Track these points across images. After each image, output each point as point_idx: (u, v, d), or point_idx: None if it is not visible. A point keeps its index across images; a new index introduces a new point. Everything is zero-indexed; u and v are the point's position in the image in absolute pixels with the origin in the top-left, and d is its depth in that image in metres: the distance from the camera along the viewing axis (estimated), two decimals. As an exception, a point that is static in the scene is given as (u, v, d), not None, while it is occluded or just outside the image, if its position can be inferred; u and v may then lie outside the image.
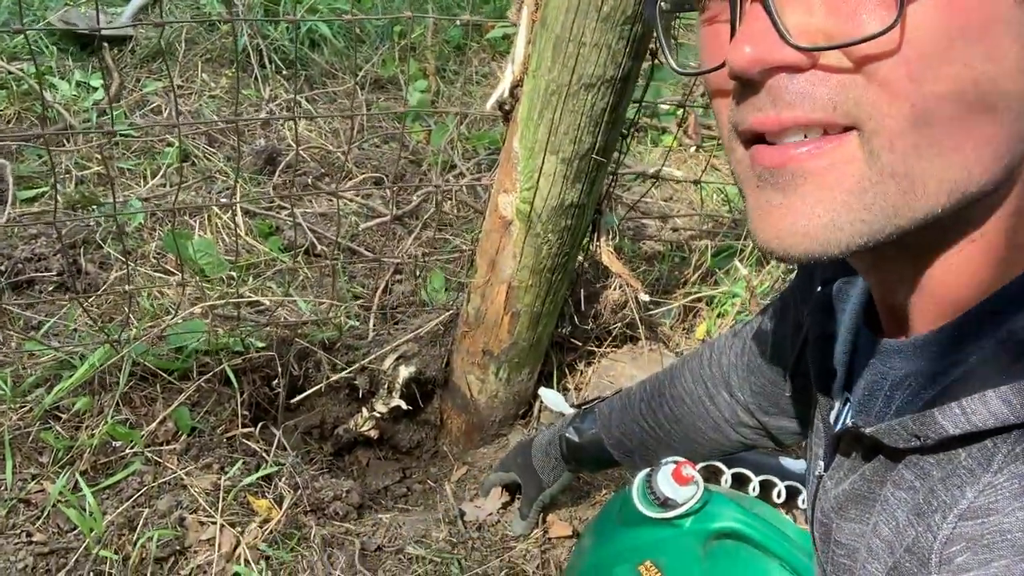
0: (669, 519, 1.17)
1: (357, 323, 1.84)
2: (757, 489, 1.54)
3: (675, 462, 1.18)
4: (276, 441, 1.64)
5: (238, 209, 2.10)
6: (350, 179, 2.35)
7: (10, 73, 2.39)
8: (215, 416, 1.64)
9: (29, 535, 1.40)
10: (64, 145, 2.25)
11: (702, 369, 1.22)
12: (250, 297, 1.81)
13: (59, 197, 2.02)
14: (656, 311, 2.05)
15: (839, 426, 0.72)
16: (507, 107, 1.43)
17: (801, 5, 0.49)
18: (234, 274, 1.87)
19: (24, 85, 2.37)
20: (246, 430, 1.64)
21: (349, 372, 1.72)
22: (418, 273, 2.02)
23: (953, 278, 0.57)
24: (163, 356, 1.63)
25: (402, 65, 2.86)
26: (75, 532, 1.41)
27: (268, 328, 1.71)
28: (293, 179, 2.28)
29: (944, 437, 0.54)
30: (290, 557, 1.46)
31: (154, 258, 1.95)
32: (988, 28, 0.46)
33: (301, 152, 2.41)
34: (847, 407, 0.73)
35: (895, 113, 0.48)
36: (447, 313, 1.79)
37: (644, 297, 1.79)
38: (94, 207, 2.07)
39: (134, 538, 1.41)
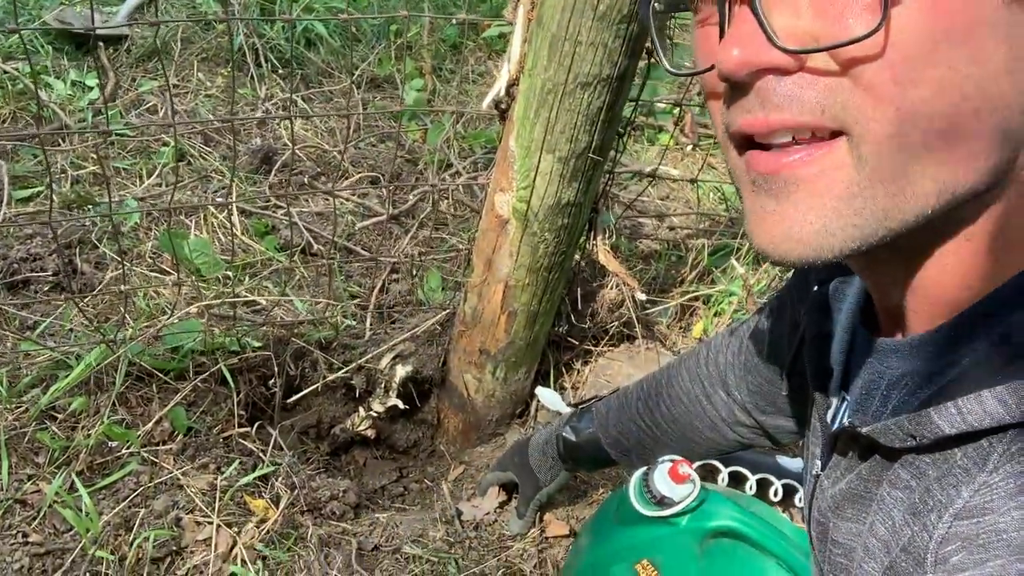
0: (666, 518, 1.17)
1: (354, 322, 1.84)
2: (754, 487, 1.54)
3: (671, 461, 1.18)
4: (273, 441, 1.64)
5: (234, 208, 2.09)
6: (346, 178, 2.35)
7: (5, 72, 2.39)
8: (211, 416, 1.64)
9: (25, 536, 1.39)
10: (59, 145, 2.25)
11: (699, 368, 1.22)
12: (246, 297, 1.80)
13: (55, 197, 2.01)
14: (653, 310, 2.05)
15: (836, 425, 0.73)
16: (503, 106, 1.43)
17: (789, 7, 0.49)
18: (230, 274, 1.87)
19: (19, 84, 2.36)
20: (242, 430, 1.64)
21: (346, 372, 1.72)
22: (415, 272, 2.02)
23: (948, 278, 0.57)
24: (159, 356, 1.63)
25: (398, 64, 2.85)
26: (71, 533, 1.41)
27: (264, 328, 1.71)
28: (289, 178, 2.28)
29: (940, 437, 0.54)
30: (287, 557, 1.46)
31: (150, 258, 1.94)
32: (973, 31, 0.46)
33: (297, 151, 2.40)
34: (844, 406, 0.73)
35: (880, 117, 0.48)
36: (444, 312, 1.79)
37: (641, 296, 1.79)
38: (90, 207, 2.06)
39: (130, 538, 1.41)
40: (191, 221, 2.08)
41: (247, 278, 1.91)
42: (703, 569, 1.13)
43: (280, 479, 1.58)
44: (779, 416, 1.12)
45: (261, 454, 1.61)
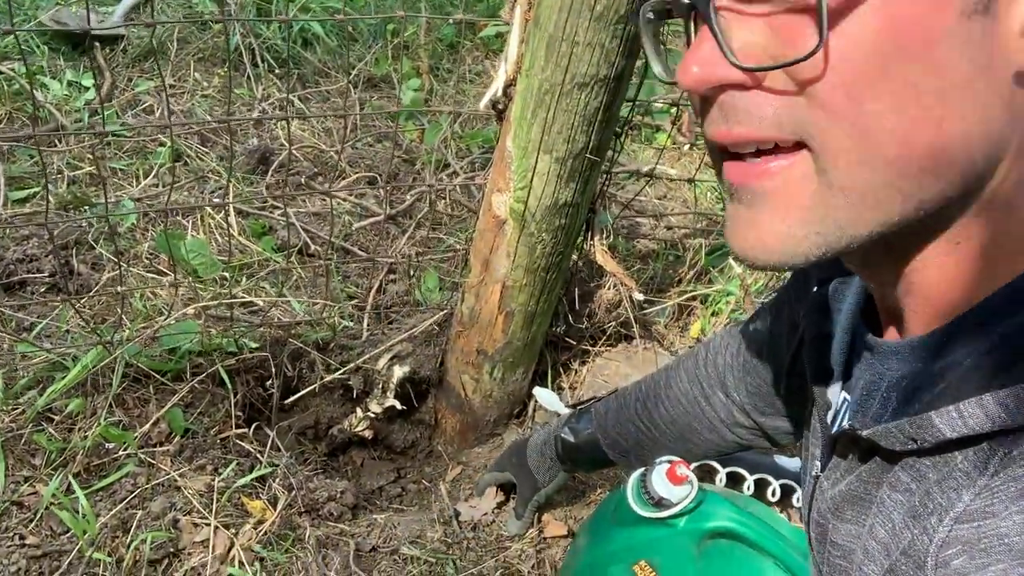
0: (663, 519, 1.17)
1: (351, 323, 1.83)
2: (752, 488, 1.54)
3: (669, 462, 1.18)
4: (270, 442, 1.64)
5: (231, 209, 2.09)
6: (343, 178, 2.35)
7: (1, 73, 2.38)
8: (209, 417, 1.64)
9: (22, 538, 1.39)
10: (56, 145, 2.24)
11: (697, 369, 1.22)
12: (243, 297, 1.80)
13: (51, 198, 2.01)
14: (650, 310, 2.05)
15: (836, 427, 0.72)
16: (501, 106, 1.42)
17: (747, 26, 0.50)
18: (227, 274, 1.87)
19: (15, 85, 2.36)
20: (240, 431, 1.64)
21: (343, 372, 1.72)
22: (412, 273, 2.01)
23: (942, 281, 0.57)
24: (156, 357, 1.63)
25: (395, 63, 2.85)
26: (68, 534, 1.41)
27: (262, 328, 1.71)
28: (286, 179, 2.28)
29: (941, 440, 0.54)
30: (284, 558, 1.46)
31: (147, 259, 1.94)
32: (930, 43, 0.46)
33: (294, 151, 2.40)
34: (844, 407, 0.73)
35: (838, 132, 0.49)
36: (441, 313, 1.79)
37: (638, 296, 1.79)
38: (86, 208, 2.06)
39: (128, 540, 1.41)
40: (188, 222, 2.07)
41: (244, 279, 1.91)
42: (701, 570, 1.13)
43: (277, 480, 1.57)
44: (778, 417, 1.12)
45: (258, 455, 1.60)
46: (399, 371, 1.70)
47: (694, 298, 2.12)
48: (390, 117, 2.65)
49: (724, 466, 1.55)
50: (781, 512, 1.49)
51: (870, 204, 0.50)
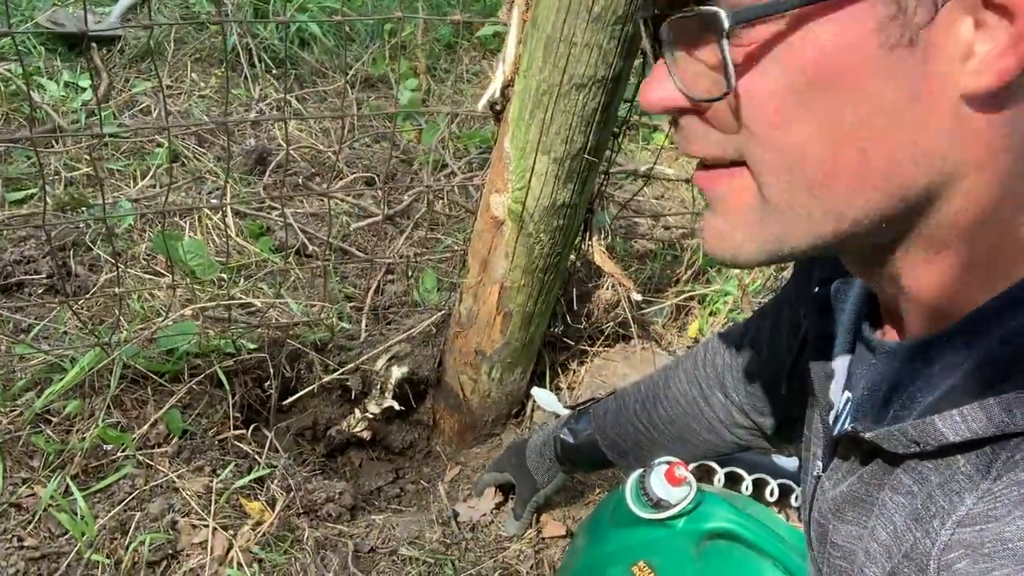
0: (662, 520, 1.17)
1: (349, 324, 1.83)
2: (750, 488, 1.55)
3: (668, 463, 1.18)
4: (268, 443, 1.64)
5: (228, 210, 2.09)
6: (341, 179, 2.35)
7: (-2, 74, 2.38)
8: (207, 418, 1.64)
9: (20, 540, 1.39)
10: (53, 146, 2.24)
11: (696, 370, 1.22)
12: (241, 299, 1.80)
13: (48, 199, 2.01)
14: (648, 310, 2.05)
15: (838, 427, 0.73)
16: (498, 107, 1.42)
17: (694, 63, 0.55)
18: (225, 275, 1.87)
19: (12, 86, 2.36)
20: (238, 432, 1.64)
21: (341, 373, 1.72)
22: (410, 273, 2.01)
23: (933, 287, 0.58)
24: (154, 358, 1.63)
25: (392, 64, 2.85)
26: (67, 536, 1.40)
27: (259, 329, 1.71)
28: (284, 179, 2.28)
29: (943, 444, 0.55)
30: (283, 560, 1.46)
31: (144, 260, 1.94)
32: (849, 76, 0.48)
33: (291, 152, 2.40)
34: (846, 407, 0.73)
35: (766, 156, 0.53)
36: (439, 313, 1.79)
37: (636, 296, 1.79)
38: (83, 209, 2.06)
39: (126, 542, 1.41)
40: (185, 223, 2.07)
41: (242, 280, 1.91)
42: (699, 571, 1.13)
43: (276, 481, 1.57)
44: (778, 417, 1.13)
45: (257, 456, 1.60)
46: (397, 372, 1.70)
47: (692, 298, 2.12)
48: (388, 117, 2.65)
49: (722, 466, 1.55)
50: (779, 512, 1.49)
51: (802, 220, 0.54)
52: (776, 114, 0.51)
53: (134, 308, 1.73)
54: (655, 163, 2.03)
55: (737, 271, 2.05)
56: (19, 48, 2.42)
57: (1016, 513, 0.49)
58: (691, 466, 1.20)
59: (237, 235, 2.06)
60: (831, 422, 0.74)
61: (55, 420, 1.53)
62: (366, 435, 1.76)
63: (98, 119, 1.93)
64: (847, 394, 0.73)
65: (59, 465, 1.48)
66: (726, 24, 0.49)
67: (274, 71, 2.72)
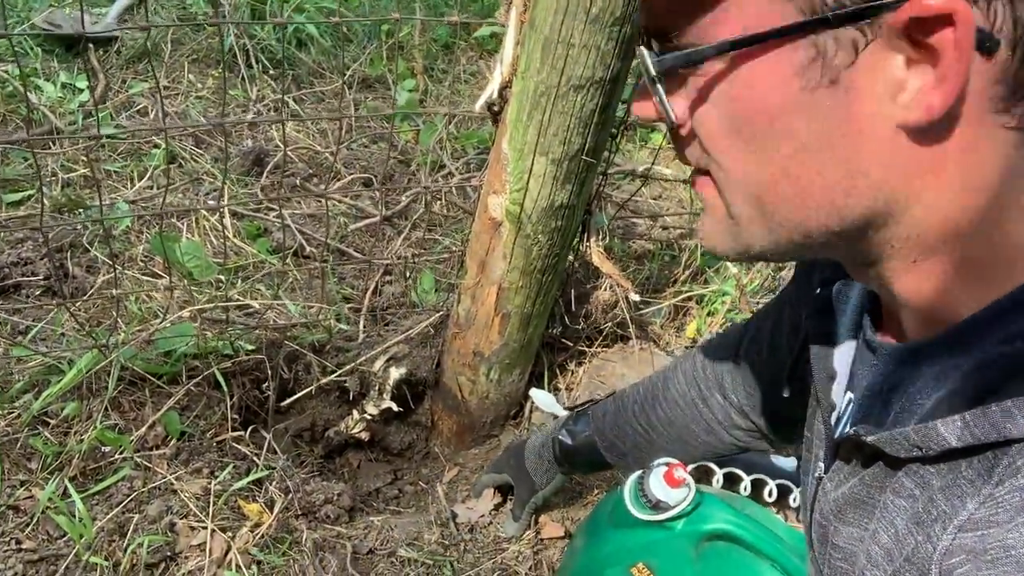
0: (661, 521, 1.17)
1: (347, 325, 1.83)
2: (749, 488, 1.55)
3: (667, 464, 1.18)
4: (266, 444, 1.64)
5: (226, 211, 2.09)
6: (338, 180, 2.34)
7: (-6, 75, 2.38)
8: (205, 420, 1.64)
9: (18, 542, 1.39)
10: (50, 148, 2.24)
11: (695, 371, 1.22)
12: (239, 300, 1.80)
13: (45, 200, 2.00)
14: (646, 310, 2.05)
15: (840, 429, 0.73)
16: (496, 108, 1.42)
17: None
18: (222, 277, 1.86)
19: (9, 87, 2.35)
20: (236, 434, 1.63)
21: (339, 374, 1.72)
22: (408, 274, 2.01)
23: (920, 293, 0.59)
24: (152, 360, 1.63)
25: (390, 64, 2.85)
26: (65, 539, 1.40)
27: (257, 331, 1.71)
28: (281, 180, 2.27)
29: (945, 449, 0.55)
30: (281, 561, 1.46)
31: (142, 261, 1.93)
32: (776, 114, 0.53)
33: (289, 153, 2.40)
34: (848, 408, 0.73)
35: (723, 176, 0.59)
36: (437, 314, 1.79)
37: (634, 297, 1.79)
38: (81, 210, 2.06)
39: (124, 544, 1.40)
40: (183, 224, 2.07)
41: (239, 281, 1.91)
42: (698, 572, 1.13)
43: (274, 483, 1.57)
44: (777, 418, 1.13)
45: (255, 458, 1.60)
46: (395, 373, 1.70)
47: (690, 298, 2.13)
48: (385, 118, 2.65)
49: (721, 467, 1.55)
50: (778, 512, 1.49)
51: (757, 229, 0.59)
52: (723, 142, 0.57)
53: (132, 310, 1.73)
54: (653, 163, 2.03)
55: (735, 271, 2.06)
56: (16, 49, 2.42)
57: (1019, 519, 0.49)
58: (690, 467, 1.20)
59: (235, 236, 2.06)
60: (833, 424, 0.74)
61: (53, 422, 1.52)
62: (364, 436, 1.75)
63: (95, 120, 1.94)
64: (849, 395, 0.73)
65: (57, 467, 1.48)
66: (653, 72, 0.58)
67: (271, 72, 2.72)
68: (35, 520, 1.41)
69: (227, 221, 2.08)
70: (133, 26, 2.66)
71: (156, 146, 2.30)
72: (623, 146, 2.70)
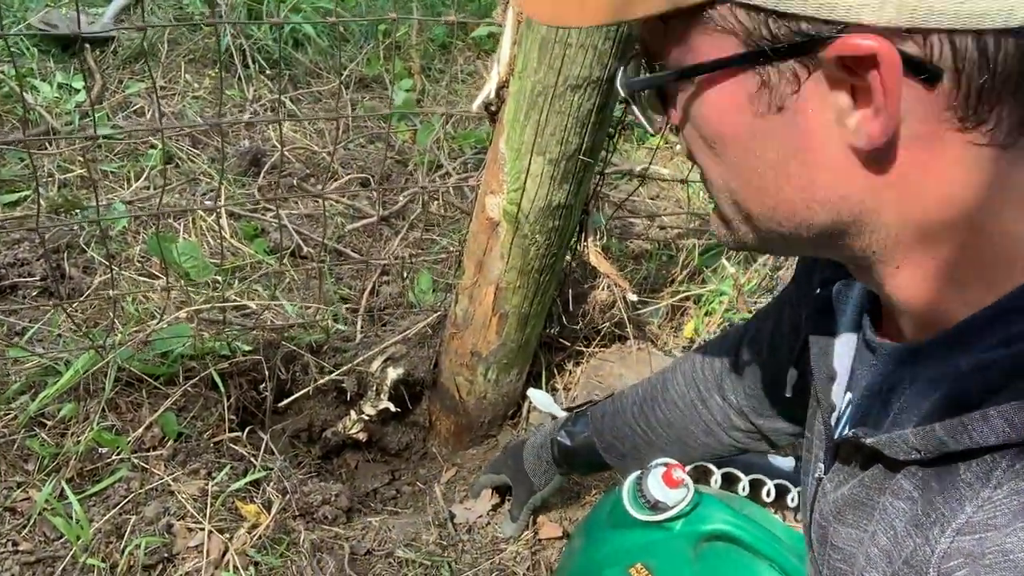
0: (659, 522, 1.17)
1: (344, 325, 1.83)
2: (747, 488, 1.54)
3: (665, 464, 1.18)
4: (264, 445, 1.63)
5: (223, 211, 2.08)
6: (336, 180, 2.34)
7: (-10, 75, 2.37)
8: (202, 421, 1.63)
9: (15, 544, 1.38)
10: (46, 148, 2.23)
11: (695, 372, 1.22)
12: (236, 300, 1.79)
13: (42, 201, 2.00)
14: (644, 310, 2.05)
15: (840, 429, 0.73)
16: (493, 108, 1.42)
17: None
18: (219, 277, 1.86)
19: (5, 88, 2.35)
20: (233, 435, 1.63)
21: (337, 375, 1.72)
22: (405, 275, 2.01)
23: (912, 295, 0.60)
24: (149, 361, 1.62)
25: (387, 64, 2.84)
26: (62, 540, 1.40)
27: (254, 332, 1.70)
28: (278, 180, 2.27)
29: (944, 452, 0.55)
30: (279, 562, 1.45)
31: (138, 262, 1.93)
32: (734, 138, 0.58)
33: (286, 153, 2.39)
34: (847, 408, 0.73)
35: (707, 180, 0.64)
36: (435, 315, 1.79)
37: (632, 296, 1.79)
38: (77, 211, 2.05)
39: (121, 546, 1.40)
40: (180, 224, 2.06)
41: (236, 282, 1.90)
42: (697, 573, 1.13)
43: (271, 484, 1.57)
44: (777, 419, 1.13)
45: (252, 459, 1.60)
46: (393, 373, 1.70)
47: (687, 298, 2.12)
48: (382, 118, 2.65)
49: (719, 467, 1.55)
50: (776, 512, 1.49)
51: (742, 227, 0.64)
52: (700, 153, 0.62)
53: (128, 310, 1.73)
54: (650, 163, 2.03)
55: (732, 271, 2.06)
56: (12, 50, 2.41)
57: (1017, 524, 0.49)
58: (688, 468, 1.19)
59: (231, 237, 2.06)
60: (833, 424, 0.74)
61: (50, 423, 1.52)
62: (362, 437, 1.75)
63: (92, 121, 1.93)
64: (848, 395, 0.73)
65: (54, 469, 1.48)
66: (622, 93, 0.64)
67: (268, 72, 2.72)
68: (32, 522, 1.41)
69: (224, 221, 2.08)
70: (129, 26, 2.65)
71: (153, 146, 2.30)
72: (620, 146, 2.69)
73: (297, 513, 1.55)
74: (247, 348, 1.68)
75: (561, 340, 1.92)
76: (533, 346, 1.76)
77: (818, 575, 0.72)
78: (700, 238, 2.26)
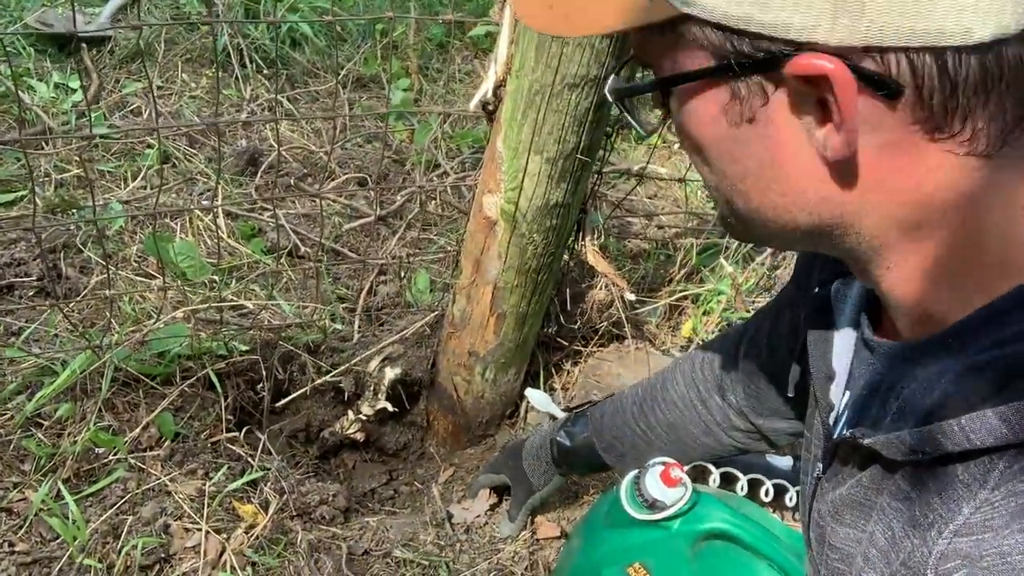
0: (657, 521, 1.17)
1: (342, 325, 1.83)
2: (745, 488, 1.54)
3: (663, 463, 1.18)
4: (261, 445, 1.63)
5: (220, 211, 2.08)
6: (333, 179, 2.34)
7: (-13, 75, 2.36)
8: (199, 421, 1.63)
9: (11, 544, 1.38)
10: (43, 148, 2.23)
11: (694, 372, 1.22)
12: (233, 300, 1.79)
13: (38, 201, 1.99)
14: (642, 310, 2.05)
15: (838, 429, 0.73)
16: (490, 107, 1.42)
17: None
18: (216, 277, 1.86)
19: (1, 88, 2.34)
20: (230, 435, 1.63)
21: (334, 375, 1.71)
22: (403, 274, 2.01)
23: (906, 295, 0.61)
24: (145, 361, 1.62)
25: (384, 63, 2.84)
26: (58, 541, 1.40)
27: (252, 331, 1.70)
28: (275, 180, 2.27)
29: (942, 453, 0.55)
30: (276, 563, 1.45)
31: (135, 262, 1.93)
32: (716, 144, 0.60)
33: (283, 153, 2.39)
34: (846, 408, 0.73)
35: (703, 179, 0.66)
36: (432, 314, 1.78)
37: (630, 296, 1.78)
38: (74, 211, 2.05)
39: (118, 546, 1.40)
40: (176, 224, 2.06)
41: (234, 281, 1.90)
42: (695, 572, 1.12)
43: (269, 484, 1.57)
44: (776, 419, 1.13)
45: (249, 459, 1.60)
46: (390, 373, 1.69)
47: (685, 297, 2.12)
48: (380, 117, 2.64)
49: (718, 466, 1.55)
50: (774, 512, 1.49)
51: (737, 223, 0.65)
52: (692, 156, 0.65)
53: (125, 310, 1.72)
54: (648, 162, 2.03)
55: (730, 270, 2.05)
56: (8, 49, 2.41)
57: (1014, 525, 0.49)
58: (686, 467, 1.19)
59: (229, 236, 2.05)
60: (831, 424, 0.74)
61: (46, 424, 1.52)
62: (359, 437, 1.75)
63: (88, 120, 1.92)
64: (847, 394, 0.73)
65: (50, 469, 1.48)
66: (610, 99, 0.67)
67: (265, 71, 2.71)
68: (28, 522, 1.41)
69: (221, 221, 2.07)
70: (126, 25, 2.65)
71: (150, 146, 2.29)
72: (618, 145, 2.69)
73: (294, 513, 1.55)
74: (244, 348, 1.68)
75: (559, 340, 1.92)
76: (531, 346, 1.75)
77: (816, 575, 0.72)
78: (698, 237, 2.26)
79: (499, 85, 1.38)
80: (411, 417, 1.85)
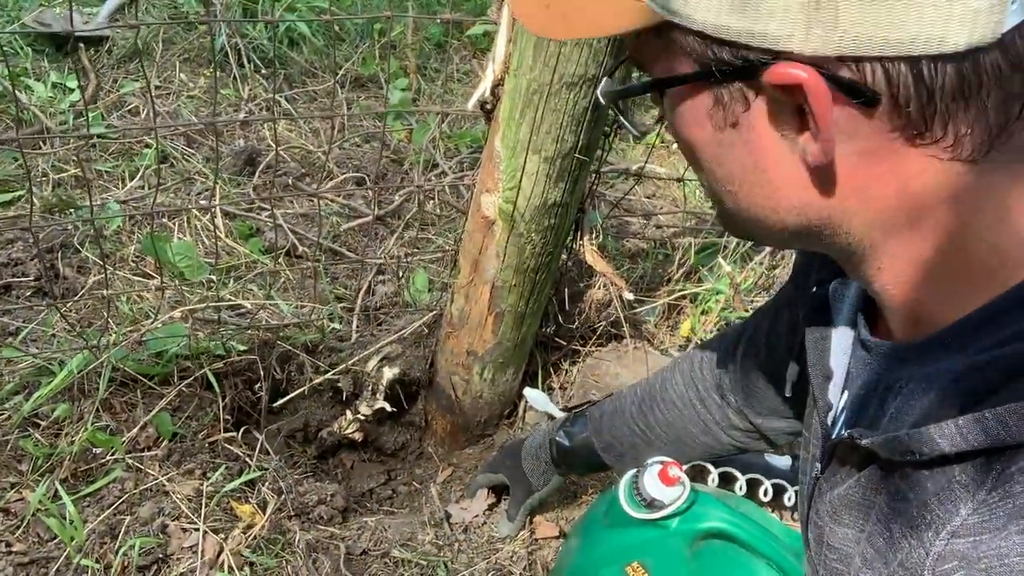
0: (656, 520, 1.16)
1: (340, 325, 1.82)
2: (744, 488, 1.54)
3: (661, 463, 1.18)
4: (259, 445, 1.63)
5: (218, 211, 2.08)
6: (331, 179, 2.33)
7: (-16, 75, 2.36)
8: (197, 421, 1.63)
9: (8, 545, 1.38)
10: (40, 148, 2.22)
11: (693, 372, 1.22)
12: (231, 300, 1.79)
13: (35, 201, 1.99)
14: (640, 309, 2.05)
15: (836, 429, 0.73)
16: (489, 106, 1.42)
17: None
18: (214, 277, 1.86)
19: (-2, 87, 2.34)
20: (228, 435, 1.63)
21: (332, 374, 1.71)
22: (401, 274, 2.01)
23: (899, 295, 0.61)
24: (143, 361, 1.62)
25: (382, 63, 2.84)
26: (56, 541, 1.39)
27: (249, 331, 1.70)
28: (273, 180, 2.26)
29: (938, 454, 0.55)
30: (274, 563, 1.45)
31: (133, 262, 1.92)
32: (704, 147, 0.61)
33: (281, 152, 2.39)
34: (844, 407, 0.73)
35: (698, 179, 0.67)
36: (431, 314, 1.78)
37: (628, 295, 1.78)
38: (71, 211, 2.04)
39: (116, 546, 1.40)
40: (174, 224, 2.06)
41: (231, 281, 1.90)
42: (693, 571, 1.12)
43: (267, 484, 1.56)
44: (775, 418, 1.12)
45: (247, 459, 1.59)
46: (389, 373, 1.69)
47: (684, 297, 2.12)
48: (378, 117, 2.64)
49: (716, 466, 1.55)
50: (773, 511, 1.48)
51: (730, 222, 0.67)
52: (686, 157, 0.66)
53: (123, 310, 1.72)
54: (646, 162, 2.03)
55: (728, 269, 2.05)
56: (5, 49, 2.40)
57: (1012, 527, 0.49)
58: (685, 466, 1.19)
59: (226, 236, 2.05)
60: (829, 423, 0.74)
61: (44, 424, 1.51)
62: (358, 437, 1.75)
63: (86, 120, 1.92)
64: (845, 394, 0.73)
65: (48, 469, 1.47)
66: (603, 102, 0.67)
67: (263, 71, 2.71)
68: (25, 522, 1.40)
69: (219, 221, 2.07)
70: (124, 25, 2.65)
71: (147, 146, 2.29)
72: (616, 144, 2.69)
73: (292, 513, 1.55)
74: (242, 348, 1.67)
75: (557, 339, 1.92)
76: (529, 345, 1.75)
77: (815, 575, 0.72)
78: (696, 237, 2.26)
79: (497, 84, 1.38)
80: (409, 417, 1.85)
